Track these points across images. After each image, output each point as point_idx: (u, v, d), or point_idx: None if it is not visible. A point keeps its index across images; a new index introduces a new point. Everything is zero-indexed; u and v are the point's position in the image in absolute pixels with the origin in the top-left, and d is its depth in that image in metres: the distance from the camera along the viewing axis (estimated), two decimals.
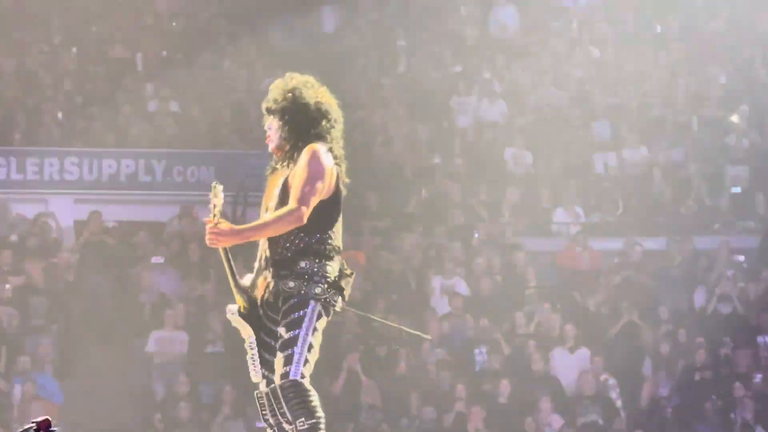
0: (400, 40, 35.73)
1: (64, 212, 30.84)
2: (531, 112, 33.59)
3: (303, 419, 11.49)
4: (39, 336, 27.60)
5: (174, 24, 35.06)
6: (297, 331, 11.56)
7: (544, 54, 34.81)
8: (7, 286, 28.12)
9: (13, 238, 29.74)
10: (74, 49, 34.84)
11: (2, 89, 33.58)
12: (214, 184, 11.48)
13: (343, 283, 11.74)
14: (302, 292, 11.55)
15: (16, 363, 26.76)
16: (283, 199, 11.53)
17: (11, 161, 31.92)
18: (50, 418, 11.73)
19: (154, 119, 33.19)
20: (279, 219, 11.48)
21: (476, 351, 27.39)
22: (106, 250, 29.75)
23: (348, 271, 11.79)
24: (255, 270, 11.83)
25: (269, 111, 11.70)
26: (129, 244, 30.08)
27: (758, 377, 27.59)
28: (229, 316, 11.82)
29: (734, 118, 33.74)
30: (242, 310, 11.86)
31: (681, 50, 36.18)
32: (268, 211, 11.74)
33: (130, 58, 34.84)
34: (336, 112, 11.79)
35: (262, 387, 11.72)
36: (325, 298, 11.55)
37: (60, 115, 33.15)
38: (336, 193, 11.66)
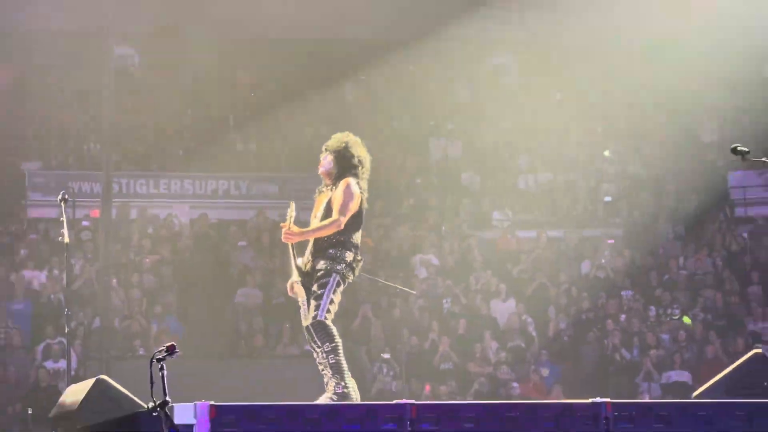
0: (396, 106, 34.81)
1: (183, 214, 30.57)
2: (478, 150, 33.07)
3: (327, 343, 12.12)
4: (167, 293, 27.23)
5: (252, 94, 34.73)
6: (323, 290, 12.20)
7: (487, 113, 33.63)
8: (147, 260, 27.76)
9: (150, 230, 29.25)
10: (189, 111, 34.02)
11: (144, 137, 32.95)
12: (291, 202, 12.54)
13: (354, 265, 12.34)
14: (328, 268, 12.25)
15: (153, 310, 26.42)
16: (327, 212, 12.29)
17: (149, 181, 31.40)
18: (174, 344, 12.60)
19: (240, 155, 32.98)
20: (327, 226, 12.17)
21: (444, 301, 27.06)
22: (209, 238, 29.41)
23: (359, 258, 12.42)
24: (305, 254, 12.46)
25: (328, 149, 12.53)
26: (224, 234, 29.70)
27: (623, 317, 26.82)
28: (289, 284, 12.50)
29: (606, 153, 33.42)
30: (297, 279, 12.42)
31: (575, 110, 34.79)
32: (316, 219, 12.47)
33: (226, 116, 34.02)
34: (367, 162, 12.61)
35: (306, 325, 12.34)
36: (342, 273, 12.23)
37: (180, 152, 32.71)
38: (360, 210, 12.42)
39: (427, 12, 35.28)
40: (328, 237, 12.29)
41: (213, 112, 34.62)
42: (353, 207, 12.27)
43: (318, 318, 12.23)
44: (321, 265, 12.34)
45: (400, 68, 36.65)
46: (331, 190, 12.45)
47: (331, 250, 12.29)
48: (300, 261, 12.50)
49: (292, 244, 12.46)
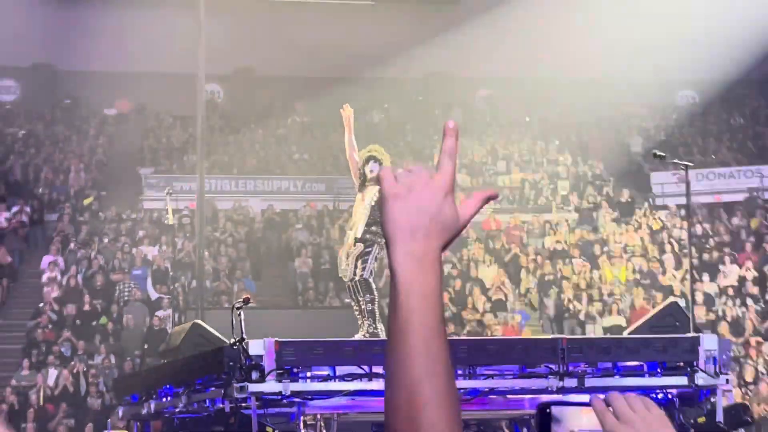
0: (409, 126, 35.02)
1: (256, 205, 30.20)
2: (469, 158, 32.24)
3: (368, 295, 12.10)
4: (244, 261, 27.09)
5: (305, 119, 35.87)
6: (367, 256, 12.12)
7: (475, 131, 33.85)
8: (230, 239, 27.64)
9: (232, 216, 29.08)
10: (260, 131, 34.06)
11: (227, 150, 32.89)
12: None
13: None
14: (372, 239, 12.14)
15: (234, 274, 26.24)
16: (373, 212, 11.98)
17: (231, 182, 31.23)
18: (249, 297, 12.63)
19: (297, 162, 32.91)
20: None
21: (444, 266, 26.93)
22: (275, 222, 29.23)
23: None
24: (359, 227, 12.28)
25: (374, 159, 12.11)
26: (285, 219, 29.36)
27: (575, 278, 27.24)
28: (344, 249, 12.40)
29: (561, 158, 33.01)
30: (351, 243, 12.28)
31: (538, 128, 35.63)
32: (358, 210, 12.26)
33: (287, 135, 34.13)
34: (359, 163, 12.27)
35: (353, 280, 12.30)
36: (381, 244, 11.90)
37: (254, 161, 32.56)
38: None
39: (433, 54, 35.50)
40: (374, 217, 12.02)
41: (279, 131, 34.86)
42: None
43: (363, 276, 12.09)
44: (367, 236, 12.16)
45: (412, 98, 36.73)
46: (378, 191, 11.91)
47: (374, 227, 12.06)
48: (353, 232, 12.35)
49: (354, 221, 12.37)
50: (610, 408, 2.18)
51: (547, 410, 2.97)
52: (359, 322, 12.25)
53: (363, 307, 12.14)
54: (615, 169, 33.66)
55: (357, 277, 12.18)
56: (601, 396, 2.23)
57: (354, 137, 12.51)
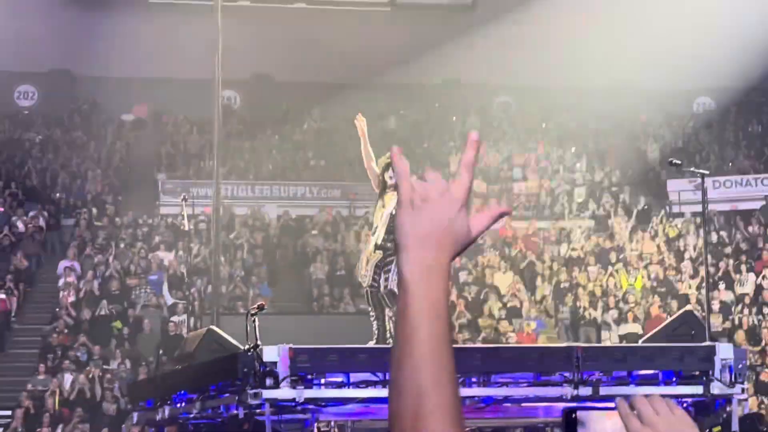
0: (427, 133, 34.92)
1: (272, 211, 30.25)
2: (485, 164, 31.54)
3: (395, 308, 12.18)
4: (259, 267, 27.19)
5: (321, 124, 35.92)
6: (390, 266, 11.68)
7: (491, 138, 33.50)
8: (244, 244, 27.77)
9: (248, 222, 29.11)
10: (276, 137, 34.10)
11: (243, 156, 32.99)
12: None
13: None
14: (392, 247, 11.02)
15: (250, 279, 26.41)
16: (393, 220, 11.96)
17: (247, 187, 31.23)
18: (264, 303, 12.57)
19: (312, 168, 32.92)
20: None
21: (459, 273, 26.39)
22: (290, 228, 29.45)
23: None
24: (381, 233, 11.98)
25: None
26: (301, 225, 29.53)
27: (590, 285, 27.17)
28: (365, 257, 12.25)
29: (578, 166, 33.35)
30: (371, 250, 12.09)
31: (555, 135, 35.63)
32: (379, 217, 12.01)
33: (303, 141, 34.11)
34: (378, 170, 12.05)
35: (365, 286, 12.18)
36: None
37: (270, 167, 32.76)
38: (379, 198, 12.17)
39: (449, 60, 35.45)
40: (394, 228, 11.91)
41: (295, 137, 34.87)
42: None
43: (389, 287, 11.83)
44: (388, 244, 11.76)
45: (428, 105, 36.74)
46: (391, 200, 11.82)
47: (394, 235, 11.97)
48: (374, 238, 12.08)
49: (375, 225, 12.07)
50: (635, 411, 2.18)
51: (573, 415, 2.96)
52: (374, 329, 12.14)
53: (390, 316, 11.93)
54: (631, 177, 33.62)
55: (383, 290, 11.94)
56: (626, 399, 2.23)
57: (370, 146, 12.27)
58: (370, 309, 12.25)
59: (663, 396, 2.27)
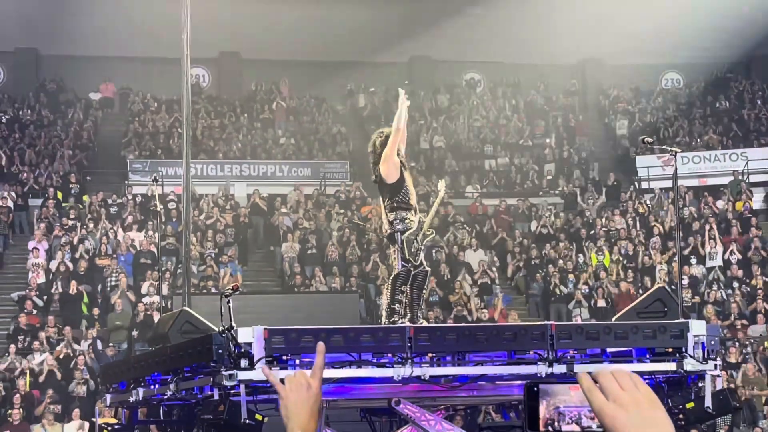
0: (394, 110, 34.39)
1: (242, 190, 30.15)
2: (455, 142, 32.50)
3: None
4: (229, 247, 26.82)
5: (290, 102, 35.30)
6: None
7: (462, 115, 34.56)
8: (218, 224, 27.62)
9: (218, 202, 29.13)
10: (245, 115, 33.64)
11: (212, 134, 32.80)
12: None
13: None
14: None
15: (222, 258, 26.03)
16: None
17: (217, 166, 30.89)
18: (238, 285, 12.53)
19: (283, 147, 32.39)
20: None
21: (433, 251, 26.09)
22: (261, 207, 28.98)
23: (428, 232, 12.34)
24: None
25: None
26: (271, 204, 29.10)
27: (560, 261, 27.29)
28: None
29: (548, 141, 33.44)
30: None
31: (525, 112, 36.10)
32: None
33: (272, 119, 33.74)
34: (403, 148, 12.07)
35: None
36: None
37: (239, 145, 32.27)
38: (401, 177, 11.93)
39: (418, 38, 35.45)
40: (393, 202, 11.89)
41: (263, 116, 34.73)
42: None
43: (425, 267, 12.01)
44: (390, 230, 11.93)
45: (398, 82, 36.84)
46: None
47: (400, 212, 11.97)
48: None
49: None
50: (598, 384, 2.14)
51: (535, 389, 2.94)
52: (402, 311, 11.85)
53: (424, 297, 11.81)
54: (601, 153, 33.75)
55: (423, 267, 11.88)
56: (589, 371, 2.18)
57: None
58: (404, 289, 11.86)
59: (636, 373, 2.24)
